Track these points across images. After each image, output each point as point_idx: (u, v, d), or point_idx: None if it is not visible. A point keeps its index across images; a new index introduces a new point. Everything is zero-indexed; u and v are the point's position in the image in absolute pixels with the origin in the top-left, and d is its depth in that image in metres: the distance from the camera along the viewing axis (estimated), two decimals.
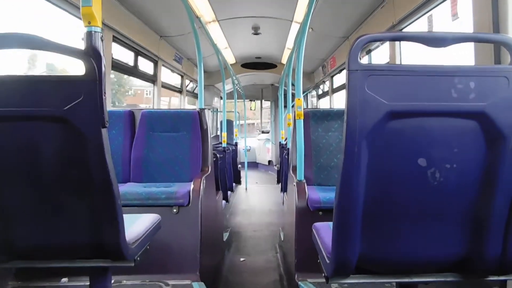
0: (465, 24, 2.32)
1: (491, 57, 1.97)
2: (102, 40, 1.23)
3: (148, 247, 1.72)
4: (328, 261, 1.34)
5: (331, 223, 1.28)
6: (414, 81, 1.12)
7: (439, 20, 2.96)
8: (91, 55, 1.18)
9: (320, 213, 2.42)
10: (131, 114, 3.16)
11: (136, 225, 1.65)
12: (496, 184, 1.15)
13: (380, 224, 1.24)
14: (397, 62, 3.56)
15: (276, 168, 9.04)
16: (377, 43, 4.31)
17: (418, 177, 1.16)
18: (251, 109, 12.19)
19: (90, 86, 1.17)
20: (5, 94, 1.20)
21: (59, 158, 1.28)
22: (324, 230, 1.57)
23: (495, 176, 1.15)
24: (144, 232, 1.64)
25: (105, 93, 1.21)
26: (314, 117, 3.08)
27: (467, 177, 1.17)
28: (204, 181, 2.71)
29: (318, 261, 1.49)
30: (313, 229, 1.68)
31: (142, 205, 2.50)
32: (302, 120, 2.73)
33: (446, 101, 1.11)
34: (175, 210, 2.54)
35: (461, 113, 1.13)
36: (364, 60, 4.98)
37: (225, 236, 3.93)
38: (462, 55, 2.24)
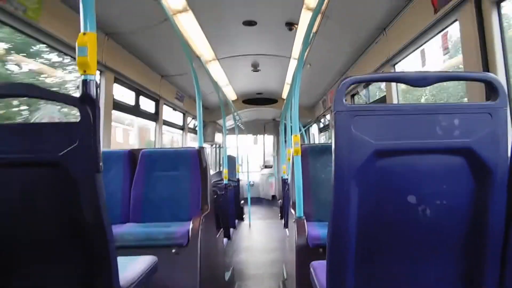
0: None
1: (482, 92, 2.00)
2: (97, 88, 1.27)
3: None
4: None
5: None
6: (399, 119, 1.14)
7: (434, 53, 3.02)
8: (86, 102, 1.21)
9: (321, 250, 2.36)
10: (130, 154, 3.18)
11: (131, 268, 1.62)
12: (487, 218, 1.15)
13: (373, 262, 1.22)
14: (394, 94, 3.60)
15: (279, 203, 8.96)
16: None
17: (409, 214, 1.16)
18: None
19: (85, 132, 1.20)
20: (1, 141, 1.23)
21: (53, 203, 1.29)
22: (320, 269, 1.54)
23: (485, 210, 1.15)
24: (139, 275, 1.61)
25: (99, 138, 1.23)
26: (312, 152, 3.08)
27: (458, 213, 1.17)
28: (204, 220, 2.67)
29: None
30: (311, 268, 1.65)
31: (141, 246, 2.47)
32: (300, 156, 2.73)
33: (431, 138, 1.13)
34: (174, 251, 2.50)
35: (447, 150, 1.14)
36: (362, 94, 5.05)
37: (227, 275, 3.83)
38: None
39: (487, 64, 1.98)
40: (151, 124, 5.53)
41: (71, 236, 1.30)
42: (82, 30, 1.28)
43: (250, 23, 4.08)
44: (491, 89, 1.16)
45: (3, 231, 1.30)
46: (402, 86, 3.91)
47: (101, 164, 1.22)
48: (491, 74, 1.18)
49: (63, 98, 1.24)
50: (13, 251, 1.32)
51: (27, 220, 1.29)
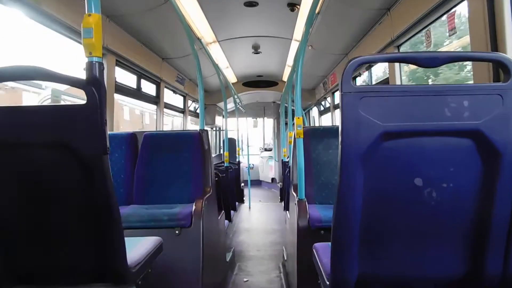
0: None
1: (489, 73, 1.96)
2: (102, 70, 1.27)
3: (150, 270, 1.71)
4: (327, 282, 1.33)
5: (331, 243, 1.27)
6: (407, 101, 1.12)
7: (440, 34, 2.97)
8: (93, 84, 1.21)
9: (322, 232, 2.39)
10: (133, 137, 3.18)
11: (137, 249, 1.65)
12: (494, 201, 1.14)
13: (378, 243, 1.23)
14: (397, 75, 3.56)
15: (279, 185, 9.01)
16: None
17: (415, 196, 1.16)
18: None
19: (92, 114, 1.20)
20: (10, 123, 1.23)
21: (61, 185, 1.30)
22: (323, 251, 1.56)
23: (492, 193, 1.14)
24: (146, 255, 1.64)
25: (106, 120, 1.23)
26: (314, 135, 3.07)
27: (464, 196, 1.17)
28: (206, 202, 2.70)
29: (319, 281, 1.46)
30: (313, 250, 1.66)
31: (145, 227, 2.50)
32: (302, 139, 2.72)
33: (440, 120, 1.12)
34: (177, 232, 2.53)
35: (455, 132, 1.13)
36: (364, 76, 5.01)
37: (228, 256, 3.89)
38: None
39: (496, 45, 1.94)
40: (128, 101, 5.44)
41: (80, 217, 1.31)
42: (86, 11, 1.26)
43: (251, 3, 4.00)
44: (503, 69, 1.13)
45: (10, 211, 1.31)
46: (405, 68, 3.86)
47: (108, 145, 1.23)
48: (503, 54, 1.15)
49: (70, 80, 1.23)
50: (21, 230, 1.34)
51: (37, 201, 1.30)
